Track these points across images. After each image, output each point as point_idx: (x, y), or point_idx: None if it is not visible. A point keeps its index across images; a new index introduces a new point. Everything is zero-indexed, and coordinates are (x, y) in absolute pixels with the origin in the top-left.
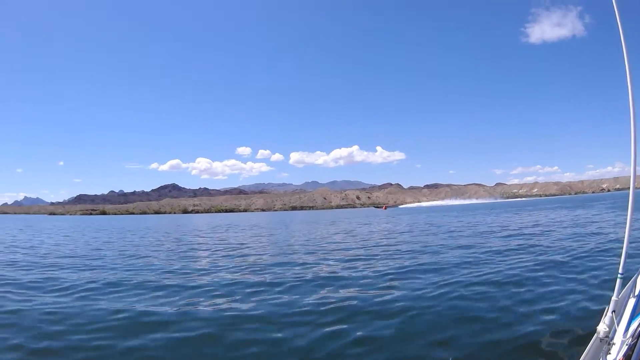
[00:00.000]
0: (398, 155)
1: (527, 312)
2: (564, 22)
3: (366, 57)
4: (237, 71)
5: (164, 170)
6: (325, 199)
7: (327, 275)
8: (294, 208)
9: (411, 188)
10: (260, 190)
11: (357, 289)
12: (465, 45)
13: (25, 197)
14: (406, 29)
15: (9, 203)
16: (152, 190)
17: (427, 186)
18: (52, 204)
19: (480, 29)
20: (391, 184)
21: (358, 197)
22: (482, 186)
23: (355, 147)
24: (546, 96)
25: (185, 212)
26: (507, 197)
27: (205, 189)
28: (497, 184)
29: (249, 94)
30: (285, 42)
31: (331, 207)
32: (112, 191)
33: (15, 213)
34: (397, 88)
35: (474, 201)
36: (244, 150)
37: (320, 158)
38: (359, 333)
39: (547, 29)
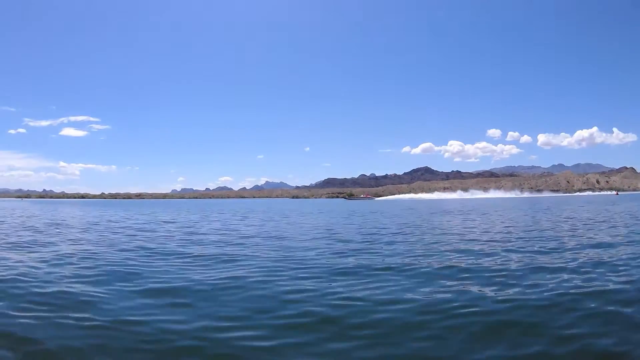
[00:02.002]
0: (631, 137)
1: None
2: None
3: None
4: (484, 52)
5: (417, 153)
6: (568, 182)
7: None
8: (539, 191)
9: None
10: (510, 173)
11: None
12: None
13: (266, 181)
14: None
15: (248, 187)
16: (405, 173)
17: None
18: (296, 187)
19: None
20: (626, 168)
21: (598, 181)
22: None
23: (595, 129)
24: None
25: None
26: None
27: (458, 171)
28: None
29: (496, 75)
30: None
31: (573, 191)
32: (362, 175)
33: (253, 197)
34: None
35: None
36: (495, 132)
37: (565, 140)
38: None
39: None
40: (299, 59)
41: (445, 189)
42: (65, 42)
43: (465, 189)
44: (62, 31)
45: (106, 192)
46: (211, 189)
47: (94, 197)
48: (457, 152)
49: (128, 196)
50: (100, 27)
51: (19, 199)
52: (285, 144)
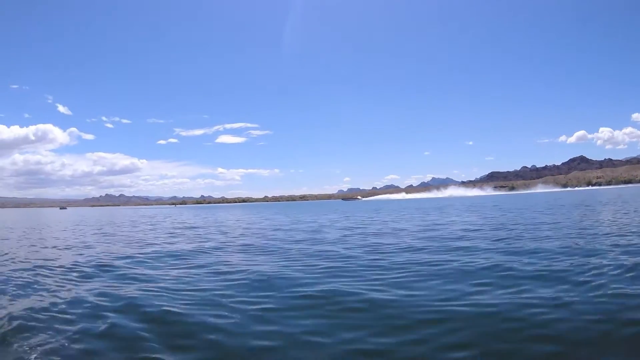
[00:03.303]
0: None
1: None
2: None
3: None
4: (623, 33)
5: (572, 142)
6: None
7: None
8: None
9: None
10: None
11: None
12: None
13: (432, 178)
14: None
15: (415, 185)
16: (562, 163)
17: None
18: (462, 182)
19: None
20: None
21: None
22: None
23: None
24: None
25: (589, 184)
26: None
27: (610, 159)
28: None
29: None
30: None
31: None
32: (524, 167)
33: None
34: None
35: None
36: (638, 116)
37: None
38: None
39: None
40: (460, 56)
41: (597, 179)
42: (215, 52)
43: (609, 182)
44: (211, 43)
45: (269, 195)
46: (378, 187)
47: (257, 200)
48: (607, 139)
49: (292, 198)
50: (252, 30)
51: (172, 205)
52: (449, 140)
